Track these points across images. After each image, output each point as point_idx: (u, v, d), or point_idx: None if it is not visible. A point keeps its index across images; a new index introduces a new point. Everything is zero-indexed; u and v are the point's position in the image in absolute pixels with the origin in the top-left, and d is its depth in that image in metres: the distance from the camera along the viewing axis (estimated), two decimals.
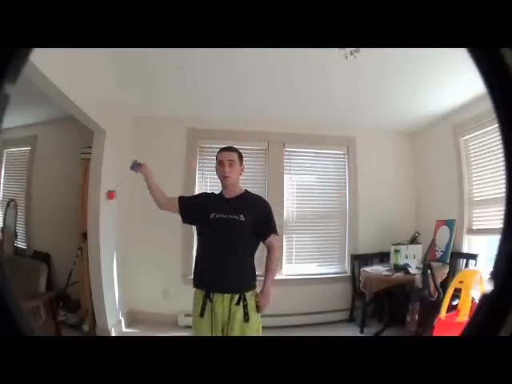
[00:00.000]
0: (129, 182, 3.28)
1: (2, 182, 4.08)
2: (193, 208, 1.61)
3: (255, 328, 1.47)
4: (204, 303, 1.46)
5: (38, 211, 3.63)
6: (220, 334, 1.42)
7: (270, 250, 1.59)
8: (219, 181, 1.63)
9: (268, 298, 1.51)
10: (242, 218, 1.49)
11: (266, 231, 1.57)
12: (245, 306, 1.44)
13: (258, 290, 1.55)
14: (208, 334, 1.43)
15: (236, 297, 1.44)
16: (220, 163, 1.56)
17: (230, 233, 1.48)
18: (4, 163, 4.03)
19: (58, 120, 3.45)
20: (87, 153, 2.88)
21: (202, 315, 1.45)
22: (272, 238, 1.58)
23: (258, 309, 1.49)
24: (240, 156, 1.61)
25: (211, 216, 1.50)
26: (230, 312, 1.42)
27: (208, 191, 1.89)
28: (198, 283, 1.53)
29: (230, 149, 1.59)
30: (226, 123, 3.44)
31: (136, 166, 1.63)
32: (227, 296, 1.44)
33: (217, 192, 1.68)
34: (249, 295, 1.48)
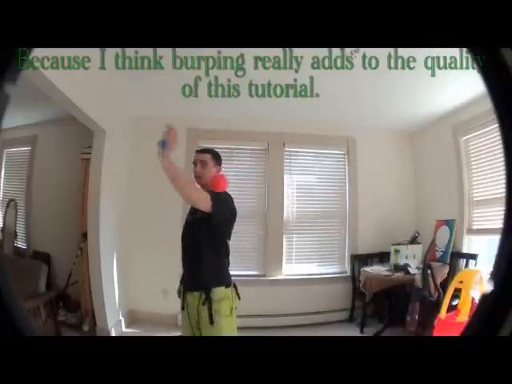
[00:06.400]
0: (126, 182, 3.30)
1: (2, 181, 4.08)
2: None
3: (222, 333, 1.40)
4: (184, 298, 1.53)
5: (37, 211, 3.63)
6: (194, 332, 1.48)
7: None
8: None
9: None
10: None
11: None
12: (209, 308, 1.41)
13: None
14: (187, 327, 1.51)
15: (203, 296, 1.44)
16: (193, 163, 1.61)
17: (195, 231, 1.51)
18: (4, 163, 4.03)
19: (58, 120, 3.45)
20: (87, 153, 2.88)
21: (183, 308, 1.54)
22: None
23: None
24: (214, 157, 1.60)
25: (186, 217, 1.60)
26: (198, 313, 1.44)
27: None
28: (180, 280, 1.61)
29: (202, 150, 1.64)
30: (226, 123, 3.44)
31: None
32: (196, 294, 1.46)
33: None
34: (216, 296, 1.43)
